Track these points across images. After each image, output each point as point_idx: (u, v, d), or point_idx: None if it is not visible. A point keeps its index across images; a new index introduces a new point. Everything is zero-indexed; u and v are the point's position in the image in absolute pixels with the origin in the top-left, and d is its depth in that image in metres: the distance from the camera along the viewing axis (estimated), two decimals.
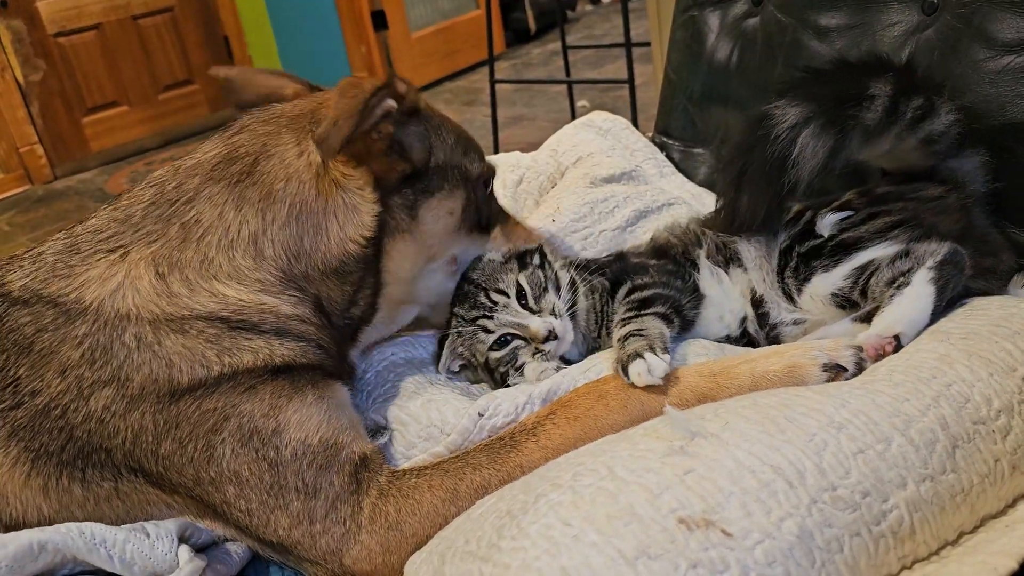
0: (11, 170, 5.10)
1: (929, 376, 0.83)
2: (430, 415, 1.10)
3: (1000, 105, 1.17)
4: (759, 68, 1.63)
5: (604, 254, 1.44)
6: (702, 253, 1.22)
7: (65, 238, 1.08)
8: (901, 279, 1.00)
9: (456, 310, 1.18)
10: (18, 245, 4.26)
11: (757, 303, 1.17)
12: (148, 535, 0.95)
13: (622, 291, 1.16)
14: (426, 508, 0.97)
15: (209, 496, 0.98)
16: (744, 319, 1.19)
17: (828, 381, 0.93)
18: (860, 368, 0.93)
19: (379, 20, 5.80)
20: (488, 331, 1.13)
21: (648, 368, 0.96)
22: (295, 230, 1.06)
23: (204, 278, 1.02)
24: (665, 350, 0.99)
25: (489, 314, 1.13)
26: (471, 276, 1.19)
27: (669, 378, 1.00)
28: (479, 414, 1.04)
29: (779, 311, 1.15)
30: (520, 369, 1.13)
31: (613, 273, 1.20)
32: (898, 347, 0.95)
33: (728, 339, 1.19)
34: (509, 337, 1.12)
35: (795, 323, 1.15)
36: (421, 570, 0.87)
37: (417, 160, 1.13)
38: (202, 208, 1.04)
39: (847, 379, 0.93)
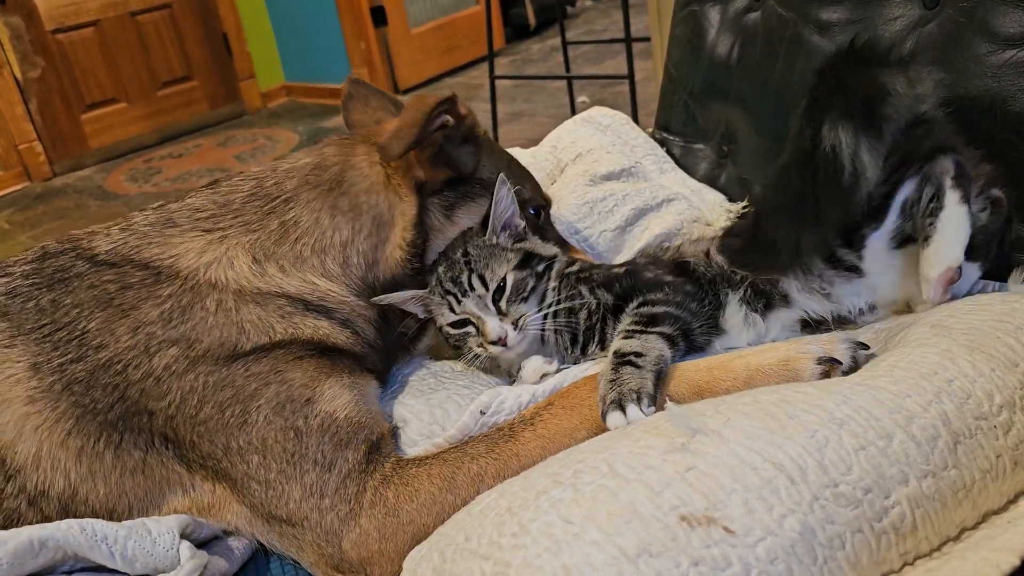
0: (10, 167, 5.09)
1: (931, 372, 0.83)
2: (434, 413, 1.11)
3: (1002, 99, 1.17)
4: (760, 63, 1.63)
5: (606, 255, 1.44)
6: (734, 296, 1.15)
7: (158, 212, 1.16)
8: (932, 204, 1.03)
9: (440, 271, 1.18)
10: (17, 243, 4.26)
11: (819, 322, 1.14)
12: (150, 532, 0.95)
13: (633, 303, 1.12)
14: (423, 496, 0.99)
15: (233, 468, 1.02)
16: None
17: (823, 375, 0.92)
18: (855, 362, 0.93)
19: (378, 16, 5.79)
20: (451, 309, 1.15)
21: (627, 423, 0.92)
22: (373, 240, 1.17)
23: (299, 269, 1.12)
24: (653, 396, 0.95)
25: (459, 297, 1.14)
26: (468, 249, 1.18)
27: (669, 371, 1.00)
28: (480, 412, 1.04)
29: (849, 304, 1.13)
30: (470, 348, 1.16)
31: (622, 288, 1.15)
32: (957, 274, 1.01)
33: None
34: (466, 322, 1.14)
35: (871, 310, 1.13)
36: (421, 566, 0.86)
37: (463, 170, 1.23)
38: (301, 211, 1.14)
39: (843, 372, 0.92)
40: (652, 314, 1.08)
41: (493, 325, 1.11)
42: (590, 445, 0.87)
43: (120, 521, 1.00)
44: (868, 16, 1.39)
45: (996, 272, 1.13)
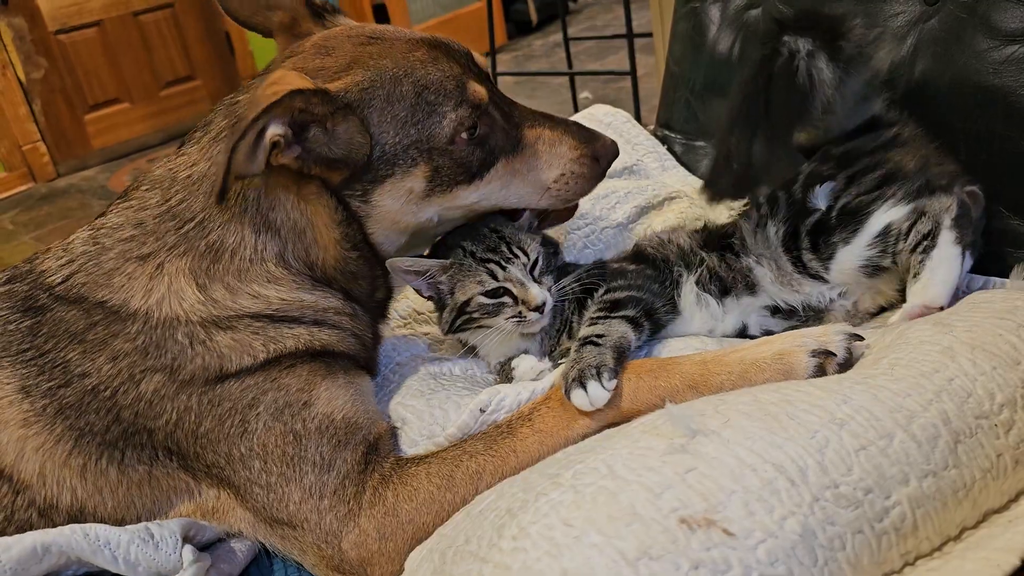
0: (14, 168, 5.11)
1: (931, 370, 0.83)
2: (433, 413, 1.11)
3: (1004, 95, 1.16)
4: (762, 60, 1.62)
5: (607, 253, 1.44)
6: (689, 277, 1.19)
7: (90, 230, 1.14)
8: (926, 243, 1.02)
9: (466, 244, 1.15)
10: (22, 244, 4.27)
11: (790, 312, 1.16)
12: (152, 535, 0.96)
13: (598, 292, 1.15)
14: (422, 495, 0.99)
15: (236, 474, 1.03)
16: (744, 328, 1.19)
17: (818, 367, 0.93)
18: (850, 353, 0.93)
19: (380, 13, 5.78)
20: (493, 277, 1.13)
21: (589, 400, 0.96)
22: (302, 246, 1.11)
23: (244, 282, 1.08)
24: (615, 372, 0.98)
25: (503, 264, 1.12)
26: (492, 224, 1.17)
27: (663, 364, 1.01)
28: (480, 410, 1.04)
29: (819, 296, 1.14)
30: (482, 326, 1.16)
31: (590, 278, 1.18)
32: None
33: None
34: (503, 292, 1.13)
35: (841, 296, 1.14)
36: (422, 568, 0.87)
37: (353, 162, 1.07)
38: (223, 234, 1.08)
39: (838, 364, 0.93)
40: (615, 299, 1.11)
41: (536, 291, 1.11)
42: (589, 444, 0.87)
43: (132, 523, 1.02)
44: (869, 12, 1.39)
45: (996, 269, 1.13)
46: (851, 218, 1.09)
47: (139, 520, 1.04)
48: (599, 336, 1.03)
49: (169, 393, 1.03)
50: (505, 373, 1.19)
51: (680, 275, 1.19)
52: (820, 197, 1.13)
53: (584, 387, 0.96)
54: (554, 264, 1.19)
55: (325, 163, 1.06)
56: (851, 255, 1.08)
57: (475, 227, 1.17)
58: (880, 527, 0.72)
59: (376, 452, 1.05)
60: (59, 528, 0.92)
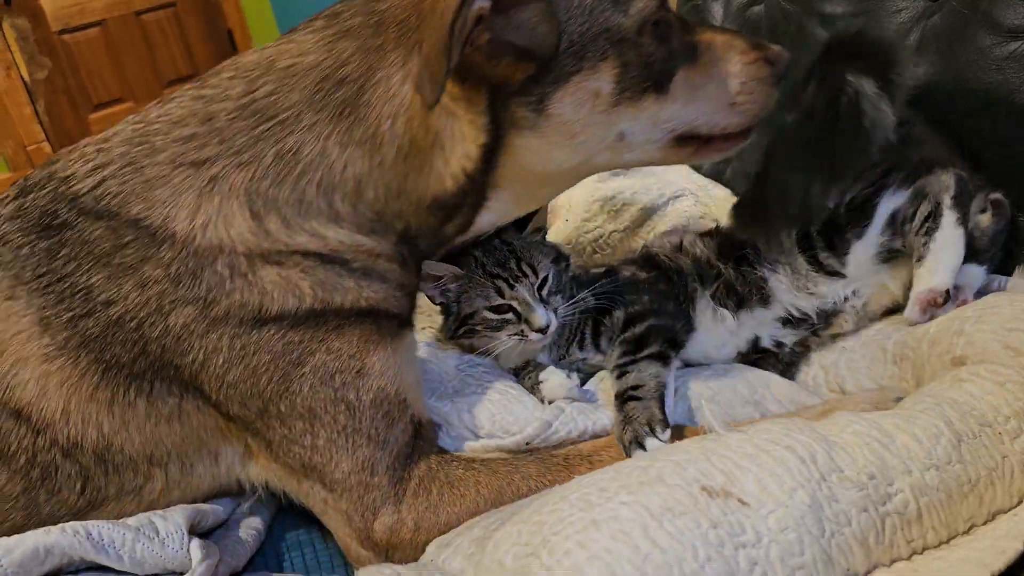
0: (19, 168, 5.11)
1: (938, 394, 0.87)
2: (461, 417, 1.11)
3: (1008, 92, 1.17)
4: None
5: (617, 258, 1.44)
6: (706, 292, 1.18)
7: (135, 124, 1.00)
8: (928, 224, 1.04)
9: (479, 255, 1.13)
10: None
11: (801, 319, 1.17)
12: (158, 532, 0.94)
13: (617, 317, 1.15)
14: (468, 503, 0.97)
15: (269, 430, 0.97)
16: (756, 340, 1.20)
17: None
18: None
19: None
20: (500, 294, 1.11)
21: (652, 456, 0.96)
22: (400, 170, 0.98)
23: (303, 218, 0.96)
24: (664, 421, 0.98)
25: (511, 282, 1.11)
26: (505, 236, 1.15)
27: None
28: (527, 443, 1.05)
29: (833, 295, 1.16)
30: (494, 337, 1.13)
31: (603, 288, 1.16)
32: (947, 300, 1.01)
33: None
34: (508, 308, 1.11)
35: (854, 294, 1.16)
36: (457, 540, 0.91)
37: (541, 52, 0.92)
38: (303, 139, 0.95)
39: None
40: (638, 335, 1.11)
41: (541, 313, 1.09)
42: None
43: (160, 466, 0.99)
44: (872, 8, 1.40)
45: (1002, 266, 1.15)
46: (859, 212, 1.11)
47: (169, 458, 1.00)
48: (635, 388, 1.03)
49: (199, 330, 0.94)
50: (530, 383, 1.16)
51: (695, 290, 1.18)
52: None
53: (643, 446, 0.96)
54: (564, 280, 1.17)
55: (514, 53, 0.91)
56: (865, 247, 1.12)
57: (484, 242, 1.15)
58: (884, 509, 0.75)
59: (421, 437, 1.02)
60: (61, 527, 0.88)
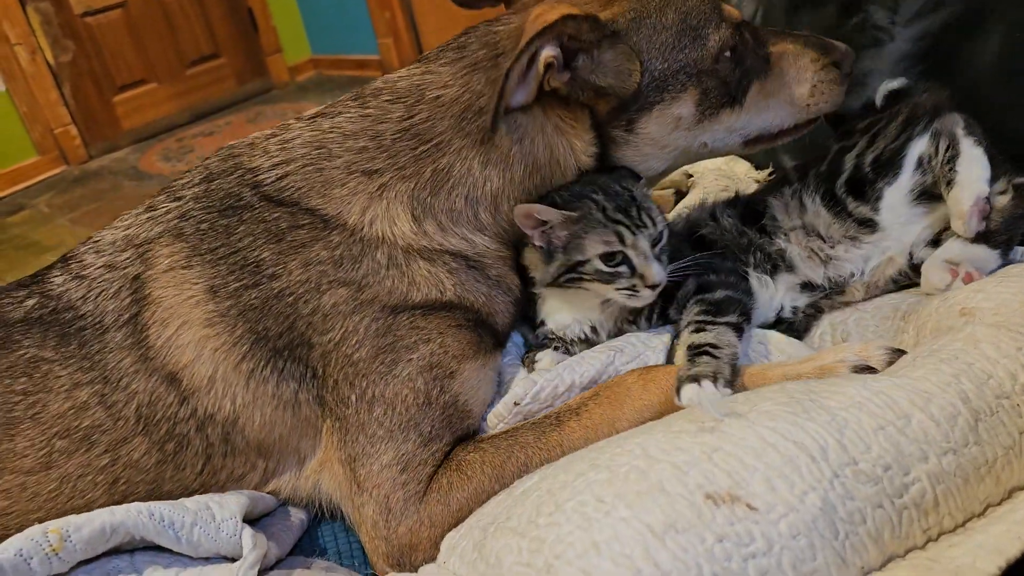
0: (47, 151, 5.19)
1: (951, 356, 0.84)
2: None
3: None
4: (784, 26, 1.61)
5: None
6: (750, 259, 1.18)
7: (312, 129, 1.15)
8: (950, 153, 1.08)
9: (599, 199, 1.07)
10: (58, 227, 4.36)
11: (816, 286, 1.18)
12: (214, 517, 0.98)
13: (689, 287, 1.11)
14: (474, 484, 1.01)
15: (357, 415, 1.04)
16: (781, 306, 1.20)
17: None
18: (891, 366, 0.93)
19: None
20: (621, 240, 1.05)
21: (699, 395, 0.90)
22: (528, 185, 1.13)
23: (455, 224, 1.11)
24: (730, 382, 0.92)
25: (634, 230, 1.05)
26: (626, 184, 1.11)
27: None
28: (515, 403, 1.07)
29: (846, 269, 1.17)
30: (584, 288, 1.10)
31: (698, 268, 1.12)
32: (987, 206, 1.04)
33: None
34: (622, 260, 1.05)
35: (865, 262, 1.17)
36: (462, 543, 0.91)
37: (621, 91, 1.10)
38: (453, 160, 1.10)
39: None
40: (717, 300, 1.07)
41: (657, 269, 1.05)
42: (630, 433, 0.90)
43: (264, 458, 1.08)
44: None
45: None
46: (888, 166, 1.14)
47: (275, 447, 1.08)
48: (713, 347, 0.98)
49: (347, 310, 1.04)
50: (529, 361, 1.18)
51: (744, 261, 1.18)
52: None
53: (699, 382, 0.91)
54: (665, 247, 1.10)
55: (594, 90, 1.09)
56: (899, 190, 1.13)
57: (605, 181, 1.11)
58: (900, 503, 0.73)
59: (459, 443, 1.06)
60: (125, 507, 0.94)
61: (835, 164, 1.19)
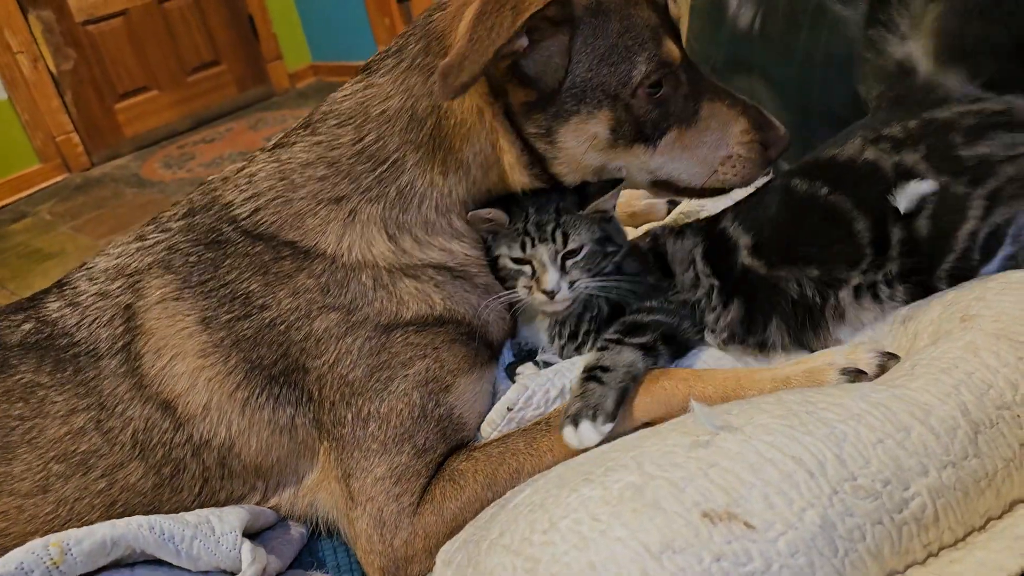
0: (49, 159, 5.20)
1: (951, 366, 0.82)
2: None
3: None
4: (783, 34, 1.61)
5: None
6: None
7: (272, 161, 1.14)
8: None
9: (530, 211, 1.14)
10: (60, 234, 4.36)
11: None
12: (214, 531, 0.99)
13: (629, 309, 1.14)
14: (467, 494, 1.01)
15: (352, 433, 1.04)
16: None
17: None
18: (883, 370, 0.92)
19: None
20: (522, 248, 1.13)
21: (578, 439, 0.95)
22: (487, 185, 1.13)
23: (431, 235, 1.11)
24: (611, 414, 0.96)
25: (535, 242, 1.12)
26: (561, 206, 1.14)
27: (699, 374, 1.02)
28: (508, 408, 1.07)
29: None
30: (514, 286, 1.15)
31: (635, 282, 1.15)
32: None
33: None
34: (527, 262, 1.13)
35: None
36: (456, 558, 0.89)
37: (543, 84, 1.04)
38: (414, 174, 1.10)
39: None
40: (636, 322, 1.09)
41: (552, 276, 1.10)
42: (623, 442, 0.89)
43: (263, 479, 1.09)
44: None
45: None
46: (992, 242, 0.98)
47: (272, 471, 1.09)
48: (604, 369, 1.01)
49: (339, 333, 1.05)
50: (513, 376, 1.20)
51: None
52: (909, 197, 1.00)
53: (576, 424, 0.95)
54: (604, 263, 1.15)
55: (520, 76, 1.04)
56: (989, 269, 1.00)
57: (549, 197, 1.15)
58: (900, 518, 0.72)
59: (453, 452, 1.07)
60: (126, 521, 0.95)
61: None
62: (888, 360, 0.93)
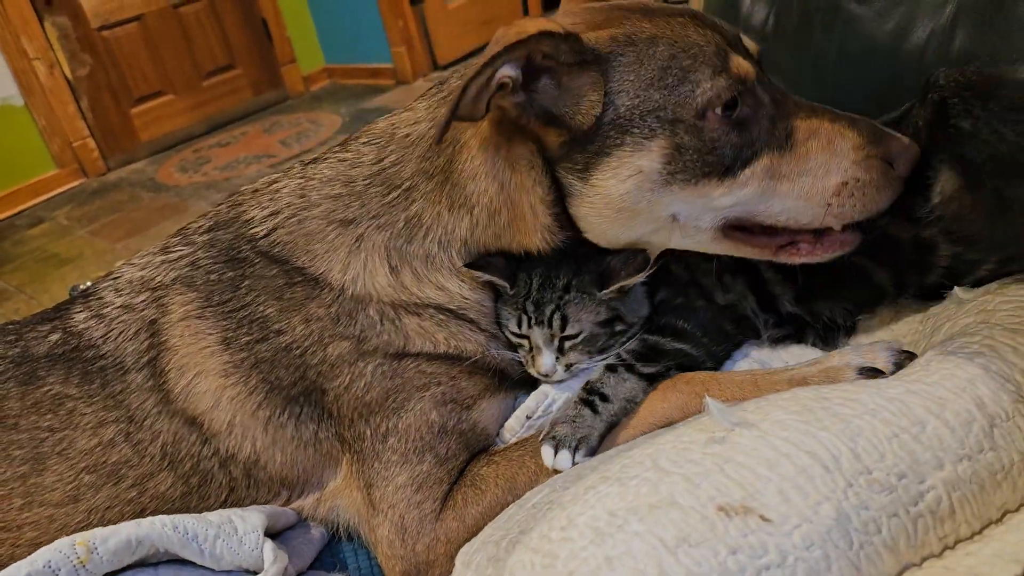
0: (66, 164, 5.24)
1: (966, 360, 0.82)
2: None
3: None
4: (797, 32, 1.60)
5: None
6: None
7: (297, 179, 1.16)
8: None
9: (534, 284, 1.08)
10: (76, 238, 4.40)
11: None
12: (236, 530, 1.01)
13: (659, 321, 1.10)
14: (488, 498, 1.02)
15: (372, 446, 1.06)
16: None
17: None
18: (900, 368, 0.92)
19: None
20: (519, 325, 1.09)
21: (553, 463, 0.97)
22: (494, 230, 1.07)
23: (429, 271, 1.08)
24: (593, 450, 0.97)
25: (531, 322, 1.08)
26: (572, 282, 1.06)
27: (716, 377, 1.02)
28: (527, 416, 1.08)
29: None
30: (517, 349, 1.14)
31: (630, 353, 1.08)
32: None
33: None
34: (524, 337, 1.10)
35: None
36: (476, 557, 0.90)
37: (575, 123, 0.93)
38: (423, 205, 1.07)
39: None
40: (657, 347, 1.06)
41: (547, 361, 1.07)
42: (639, 441, 0.89)
43: (288, 487, 1.11)
44: None
45: None
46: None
47: (298, 482, 1.11)
48: (603, 398, 1.01)
49: (351, 359, 1.06)
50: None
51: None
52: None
53: (556, 451, 0.97)
54: (611, 344, 1.09)
55: (544, 117, 0.94)
56: None
57: (562, 269, 1.07)
58: (915, 511, 0.72)
59: (475, 459, 1.08)
60: (150, 520, 0.97)
61: None
62: (905, 358, 0.93)
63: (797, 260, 0.99)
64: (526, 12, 3.73)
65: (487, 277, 1.09)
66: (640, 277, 1.03)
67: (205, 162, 5.23)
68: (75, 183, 5.27)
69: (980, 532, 0.76)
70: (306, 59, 6.34)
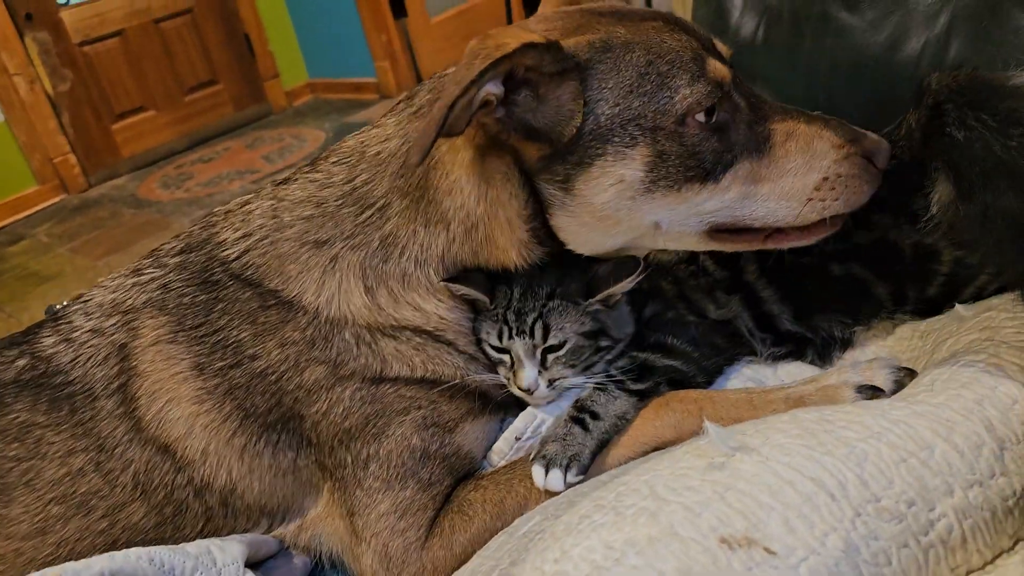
0: (46, 180, 5.18)
1: (973, 379, 0.80)
2: None
3: None
4: (787, 43, 1.58)
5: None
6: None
7: (270, 199, 1.12)
8: None
9: (515, 293, 1.05)
10: (57, 255, 4.34)
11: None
12: (215, 562, 0.97)
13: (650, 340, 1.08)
14: (476, 525, 0.99)
15: (354, 473, 1.03)
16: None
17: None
18: (899, 386, 0.90)
19: (397, 7, 5.75)
20: (499, 337, 1.06)
21: (544, 483, 0.95)
22: (471, 246, 1.03)
23: (406, 290, 1.05)
24: (584, 468, 0.95)
25: (512, 333, 1.04)
26: (556, 291, 1.04)
27: (710, 395, 0.99)
28: (516, 438, 1.05)
29: None
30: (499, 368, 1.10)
31: (621, 371, 1.05)
32: None
33: None
34: (507, 351, 1.06)
35: None
36: None
37: (556, 135, 0.92)
38: (397, 223, 1.04)
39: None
40: (647, 365, 1.04)
41: (529, 374, 1.03)
42: (633, 466, 0.86)
43: (267, 516, 1.07)
44: None
45: None
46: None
47: (278, 510, 1.08)
48: (593, 416, 0.99)
49: (328, 384, 1.03)
50: None
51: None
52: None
53: (547, 470, 0.95)
54: (596, 360, 1.05)
55: (525, 131, 0.92)
56: None
57: (545, 279, 1.05)
58: (926, 540, 0.69)
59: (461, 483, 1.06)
60: (125, 553, 0.93)
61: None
62: (905, 376, 0.91)
63: (785, 245, 1.00)
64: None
65: (465, 290, 1.06)
66: (629, 284, 1.01)
67: (187, 178, 5.18)
68: (56, 199, 5.21)
69: (992, 561, 0.73)
70: (289, 74, 6.31)
